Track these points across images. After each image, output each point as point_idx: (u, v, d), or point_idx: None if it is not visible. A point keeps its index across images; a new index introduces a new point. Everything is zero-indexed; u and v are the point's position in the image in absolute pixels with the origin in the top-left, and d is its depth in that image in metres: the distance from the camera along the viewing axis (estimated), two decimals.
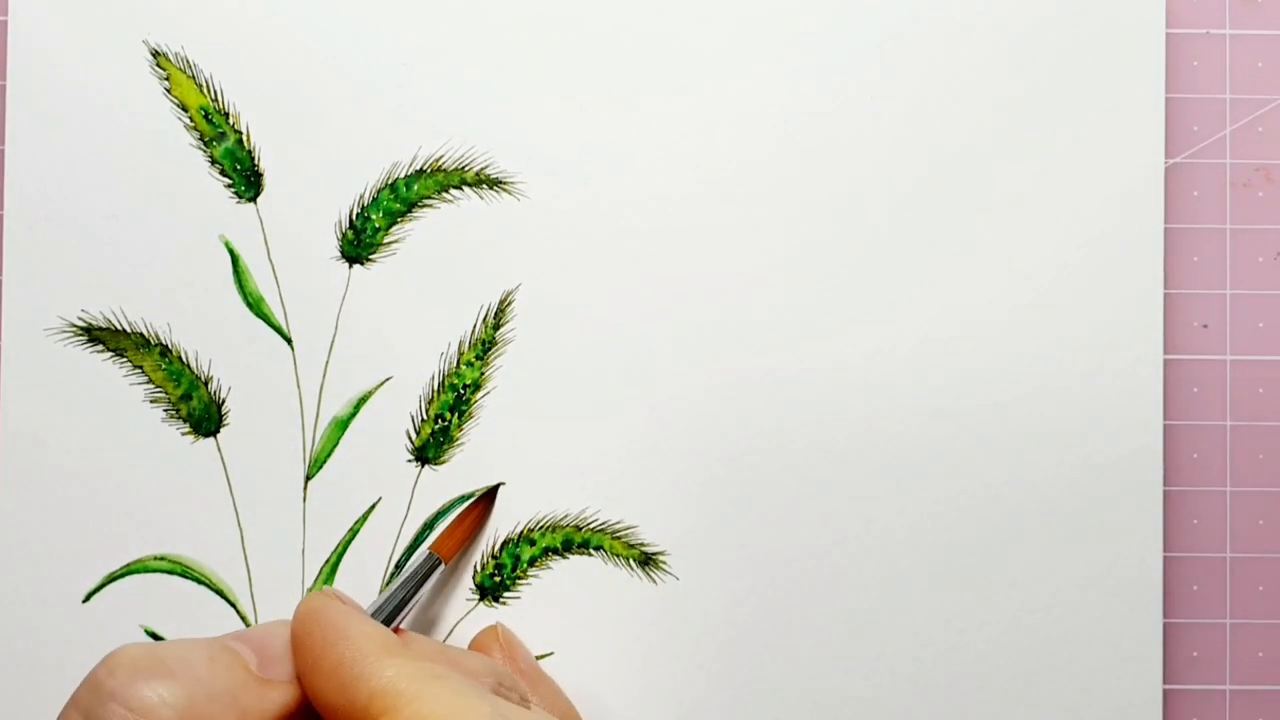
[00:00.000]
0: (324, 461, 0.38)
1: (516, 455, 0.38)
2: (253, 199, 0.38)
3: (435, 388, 0.38)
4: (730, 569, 0.38)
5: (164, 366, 0.38)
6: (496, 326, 0.38)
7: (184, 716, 0.29)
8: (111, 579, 0.38)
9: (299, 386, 0.38)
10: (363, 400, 0.38)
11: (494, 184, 0.38)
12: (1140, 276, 0.38)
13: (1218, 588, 0.39)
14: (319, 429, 0.38)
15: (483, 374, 0.38)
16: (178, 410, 0.38)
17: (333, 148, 0.38)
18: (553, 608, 0.38)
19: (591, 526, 0.38)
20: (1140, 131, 0.39)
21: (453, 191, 0.38)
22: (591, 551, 0.38)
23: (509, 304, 0.38)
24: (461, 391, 0.38)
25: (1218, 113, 0.40)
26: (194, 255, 0.38)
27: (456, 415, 0.38)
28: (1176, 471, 0.39)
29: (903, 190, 0.38)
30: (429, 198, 0.38)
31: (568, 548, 0.38)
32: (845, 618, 0.38)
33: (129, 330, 0.38)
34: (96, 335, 0.38)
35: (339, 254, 0.38)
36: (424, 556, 0.36)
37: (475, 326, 0.38)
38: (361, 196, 0.38)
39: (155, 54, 0.38)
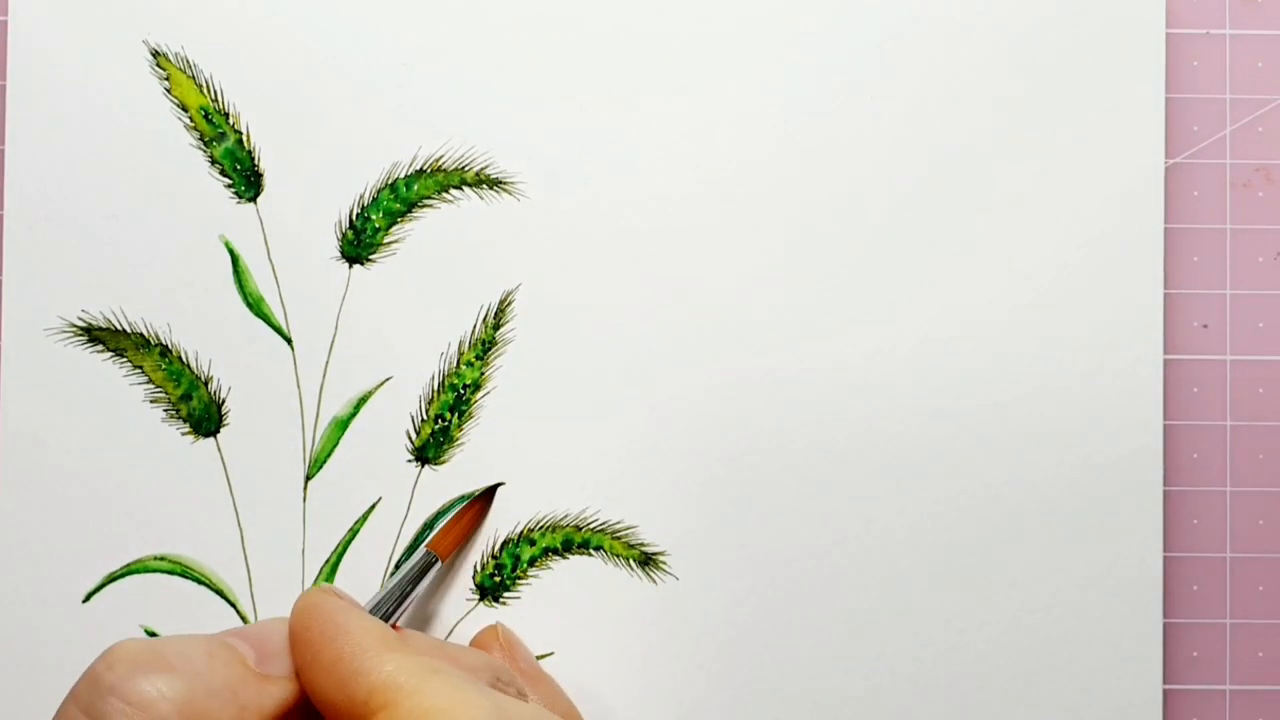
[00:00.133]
0: (324, 461, 0.38)
1: (516, 455, 0.38)
2: (253, 199, 0.38)
3: (435, 388, 0.38)
4: (730, 569, 0.38)
5: (164, 366, 0.38)
6: (496, 326, 0.38)
7: (183, 711, 0.29)
8: (111, 579, 0.38)
9: (299, 386, 0.38)
10: (363, 400, 0.38)
11: (494, 184, 0.38)
12: (1140, 276, 0.38)
13: (1218, 588, 0.39)
14: (319, 429, 0.38)
15: (483, 374, 0.38)
16: (178, 410, 0.38)
17: (333, 148, 0.38)
18: (553, 608, 0.38)
19: (591, 526, 0.38)
20: (1140, 131, 0.39)
21: (453, 191, 0.38)
22: (591, 551, 0.38)
23: (509, 304, 0.38)
24: (461, 391, 0.38)
25: (1218, 113, 0.40)
26: (194, 255, 0.38)
27: (456, 415, 0.38)
28: (1176, 471, 0.39)
29: (903, 190, 0.38)
30: (429, 198, 0.38)
31: (568, 548, 0.38)
32: (845, 618, 0.38)
33: (129, 330, 0.38)
34: (96, 335, 0.38)
35: (339, 254, 0.38)
36: (421, 554, 0.36)
37: (475, 326, 0.38)
38: (361, 196, 0.38)
39: (155, 54, 0.38)
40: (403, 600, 0.35)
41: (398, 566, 0.38)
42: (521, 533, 0.38)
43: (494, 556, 0.38)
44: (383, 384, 0.38)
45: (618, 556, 0.38)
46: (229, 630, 0.32)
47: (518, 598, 0.38)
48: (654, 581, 0.38)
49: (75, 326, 0.38)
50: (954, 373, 0.38)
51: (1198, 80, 0.40)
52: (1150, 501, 0.38)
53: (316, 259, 0.38)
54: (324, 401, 0.38)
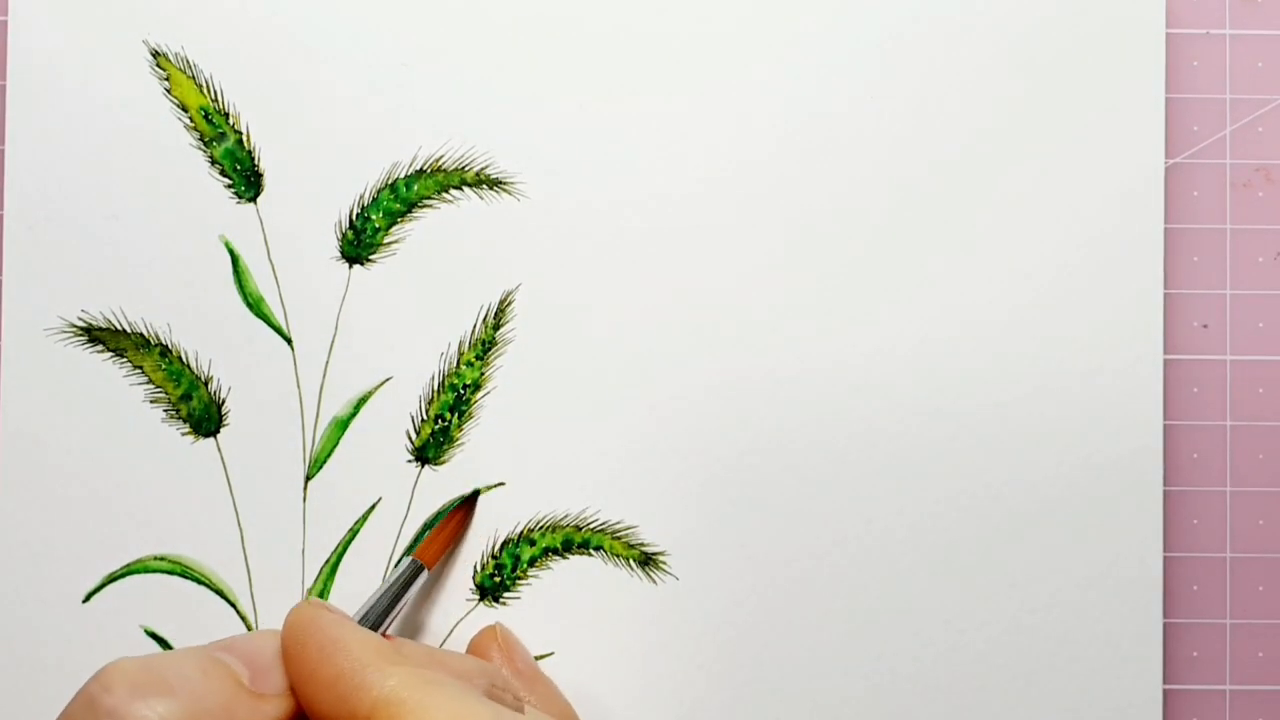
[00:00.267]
0: (324, 461, 0.38)
1: (516, 455, 0.38)
2: (253, 199, 0.38)
3: (435, 388, 0.38)
4: (730, 569, 0.38)
5: (164, 366, 0.38)
6: (496, 326, 0.38)
7: None
8: (111, 579, 0.38)
9: (299, 386, 0.38)
10: (363, 400, 0.38)
11: (494, 184, 0.38)
12: (1140, 276, 0.38)
13: (1218, 588, 0.39)
14: (319, 429, 0.38)
15: (483, 374, 0.38)
16: (178, 410, 0.38)
17: (333, 148, 0.38)
18: (553, 608, 0.38)
19: (591, 526, 0.38)
20: (1140, 131, 0.39)
21: (453, 191, 0.38)
22: (591, 551, 0.38)
23: (509, 304, 0.38)
24: (461, 391, 0.38)
25: (1218, 113, 0.40)
26: (194, 255, 0.38)
27: (456, 415, 0.38)
28: (1176, 471, 0.39)
29: (902, 190, 0.38)
30: (429, 198, 0.38)
31: (568, 548, 0.38)
32: (845, 618, 0.38)
33: (129, 330, 0.38)
34: (96, 335, 0.38)
35: (339, 254, 0.38)
36: (407, 564, 0.36)
37: (475, 326, 0.38)
38: (361, 196, 0.38)
39: (155, 54, 0.38)
40: (390, 610, 0.35)
41: (397, 567, 0.38)
42: (521, 533, 0.38)
43: (494, 557, 0.38)
44: (383, 384, 0.38)
45: (618, 556, 0.38)
46: (218, 644, 0.31)
47: (518, 598, 0.38)
48: (654, 581, 0.38)
49: (75, 326, 0.38)
50: (954, 373, 0.38)
51: (1198, 80, 0.40)
52: (1150, 501, 0.38)
53: (316, 259, 0.38)
54: (324, 401, 0.38)
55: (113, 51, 0.38)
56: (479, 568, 0.38)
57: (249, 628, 0.38)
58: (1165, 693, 0.38)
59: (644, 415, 0.38)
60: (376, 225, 0.38)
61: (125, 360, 0.38)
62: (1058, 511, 0.38)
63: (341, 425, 0.38)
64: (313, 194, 0.38)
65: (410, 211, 0.38)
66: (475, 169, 0.38)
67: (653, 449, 0.38)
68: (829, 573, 0.38)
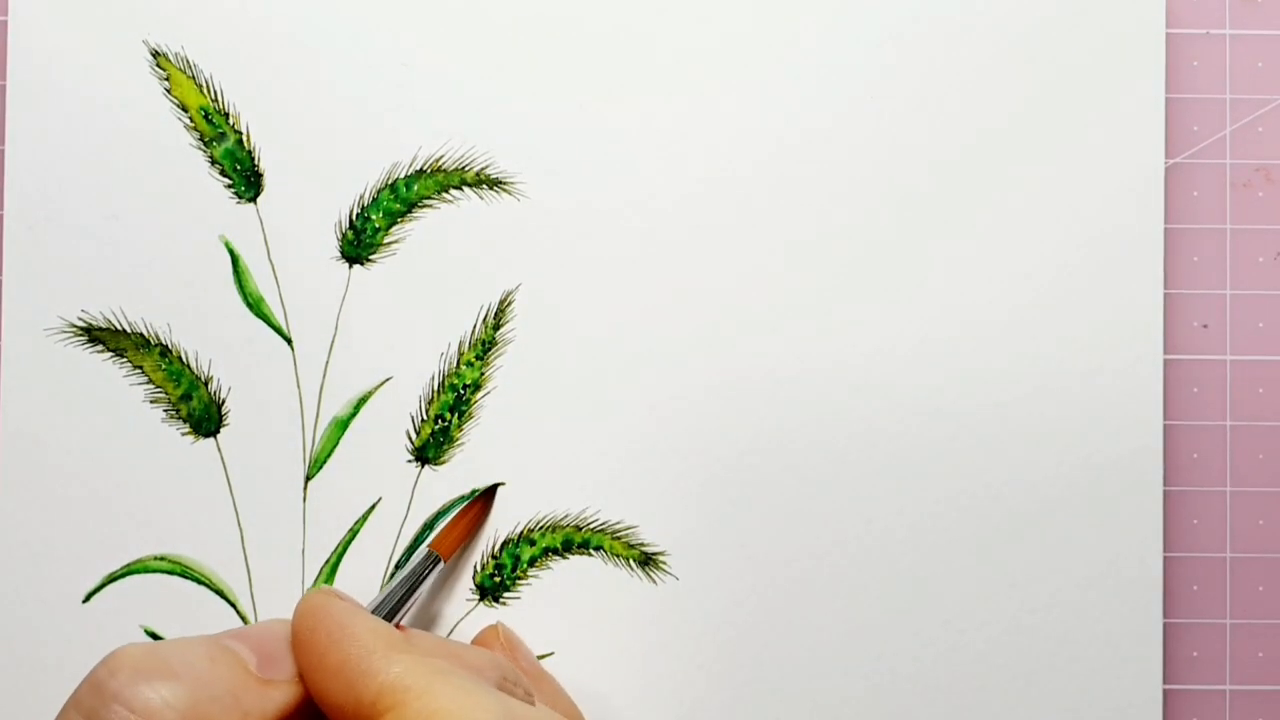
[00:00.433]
0: (324, 461, 0.38)
1: (516, 455, 0.38)
2: (253, 199, 0.38)
3: (435, 388, 0.38)
4: (730, 569, 0.38)
5: (164, 366, 0.38)
6: (496, 326, 0.38)
7: (187, 718, 0.29)
8: (111, 579, 0.38)
9: (299, 386, 0.38)
10: (363, 400, 0.38)
11: (494, 184, 0.38)
12: (1140, 276, 0.38)
13: (1218, 588, 0.39)
14: (319, 429, 0.38)
15: (483, 374, 0.38)
16: (178, 410, 0.38)
17: (333, 148, 0.38)
18: (553, 608, 0.38)
19: (591, 526, 0.38)
20: (1140, 131, 0.39)
21: (453, 191, 0.38)
22: (591, 551, 0.38)
23: (509, 304, 0.38)
24: (461, 391, 0.38)
25: (1218, 113, 0.40)
26: (194, 255, 0.38)
27: (456, 415, 0.38)
28: (1176, 471, 0.39)
29: (903, 190, 0.38)
30: (429, 198, 0.38)
31: (568, 548, 0.38)
32: (845, 618, 0.38)
33: (129, 330, 0.38)
34: (96, 335, 0.38)
35: (339, 254, 0.38)
36: (423, 554, 0.36)
37: (475, 326, 0.38)
38: (361, 196, 0.38)
39: (155, 54, 0.38)
40: (406, 600, 0.35)
41: (398, 567, 0.38)
42: (521, 533, 0.38)
43: (494, 556, 0.38)
44: (383, 384, 0.38)
45: (618, 556, 0.38)
46: (227, 632, 0.32)
47: (518, 598, 0.38)
48: (654, 581, 0.38)
49: (75, 326, 0.38)
50: (954, 373, 0.38)
51: (1198, 80, 0.40)
52: (1150, 501, 0.38)
53: (316, 259, 0.38)
54: (324, 401, 0.38)
55: (113, 51, 0.38)
56: (479, 568, 0.38)
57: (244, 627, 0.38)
58: (1165, 693, 0.38)
59: (644, 415, 0.38)
60: (376, 225, 0.38)
61: (125, 360, 0.38)
62: (1058, 511, 0.38)
63: (341, 425, 0.38)
64: (313, 194, 0.38)
65: (410, 211, 0.38)
66: (475, 169, 0.38)
67: (653, 449, 0.38)
68: (829, 573, 0.38)
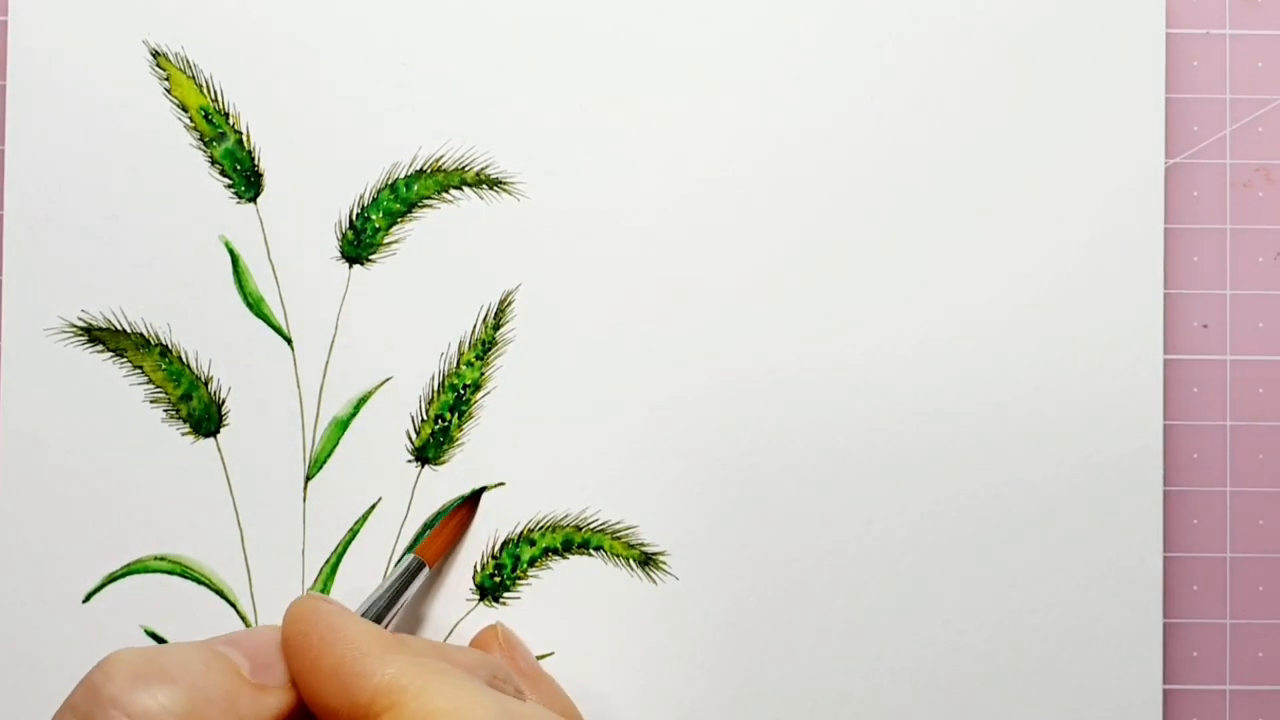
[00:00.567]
0: (324, 461, 0.38)
1: (516, 455, 0.38)
2: (253, 199, 0.38)
3: (435, 388, 0.38)
4: (730, 569, 0.38)
5: (164, 366, 0.38)
6: (496, 326, 0.38)
7: None
8: (111, 579, 0.38)
9: (299, 386, 0.38)
10: (363, 400, 0.38)
11: (494, 184, 0.38)
12: (1140, 276, 0.38)
13: (1218, 588, 0.39)
14: (319, 429, 0.38)
15: (483, 374, 0.38)
16: (178, 410, 0.38)
17: (333, 148, 0.38)
18: (553, 608, 0.38)
19: (591, 526, 0.38)
20: (1140, 131, 0.39)
21: (453, 191, 0.38)
22: (591, 551, 0.38)
23: (509, 304, 0.38)
24: (461, 391, 0.38)
25: (1218, 113, 0.40)
26: (194, 255, 0.38)
27: (456, 415, 0.38)
28: (1176, 471, 0.39)
29: (902, 190, 0.38)
30: (429, 198, 0.38)
31: (568, 548, 0.38)
32: (845, 618, 0.38)
33: (129, 330, 0.38)
34: (96, 335, 0.38)
35: (339, 254, 0.38)
36: (408, 560, 0.36)
37: (475, 326, 0.38)
38: (361, 196, 0.38)
39: (155, 54, 0.38)
40: (391, 606, 0.35)
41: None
42: (521, 533, 0.38)
43: (494, 557, 0.38)
44: (383, 384, 0.38)
45: (618, 556, 0.38)
46: (220, 638, 0.32)
47: (518, 598, 0.38)
48: (654, 581, 0.38)
49: (75, 326, 0.38)
50: (954, 373, 0.38)
51: (1198, 80, 0.40)
52: (1150, 501, 0.38)
53: (316, 259, 0.38)
54: (324, 401, 0.38)
55: (113, 51, 0.38)
56: (479, 568, 0.38)
57: (248, 628, 0.38)
58: (1165, 693, 0.38)
59: (644, 415, 0.38)
60: (376, 225, 0.38)
61: (125, 360, 0.38)
62: (1058, 511, 0.38)
63: (341, 425, 0.38)
64: (313, 194, 0.38)
65: (410, 211, 0.38)
66: (475, 169, 0.38)
67: (653, 449, 0.38)
68: (829, 573, 0.38)
